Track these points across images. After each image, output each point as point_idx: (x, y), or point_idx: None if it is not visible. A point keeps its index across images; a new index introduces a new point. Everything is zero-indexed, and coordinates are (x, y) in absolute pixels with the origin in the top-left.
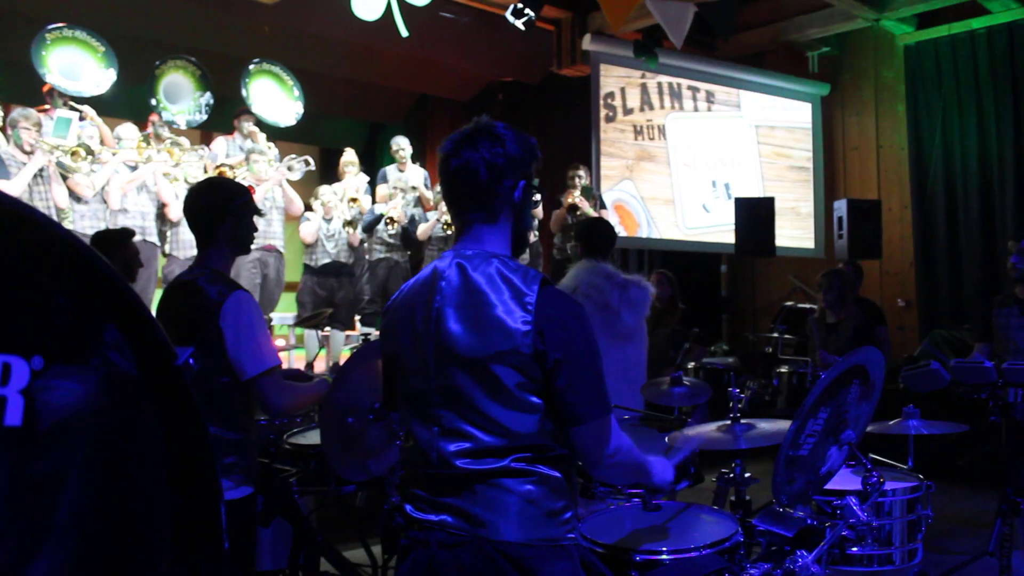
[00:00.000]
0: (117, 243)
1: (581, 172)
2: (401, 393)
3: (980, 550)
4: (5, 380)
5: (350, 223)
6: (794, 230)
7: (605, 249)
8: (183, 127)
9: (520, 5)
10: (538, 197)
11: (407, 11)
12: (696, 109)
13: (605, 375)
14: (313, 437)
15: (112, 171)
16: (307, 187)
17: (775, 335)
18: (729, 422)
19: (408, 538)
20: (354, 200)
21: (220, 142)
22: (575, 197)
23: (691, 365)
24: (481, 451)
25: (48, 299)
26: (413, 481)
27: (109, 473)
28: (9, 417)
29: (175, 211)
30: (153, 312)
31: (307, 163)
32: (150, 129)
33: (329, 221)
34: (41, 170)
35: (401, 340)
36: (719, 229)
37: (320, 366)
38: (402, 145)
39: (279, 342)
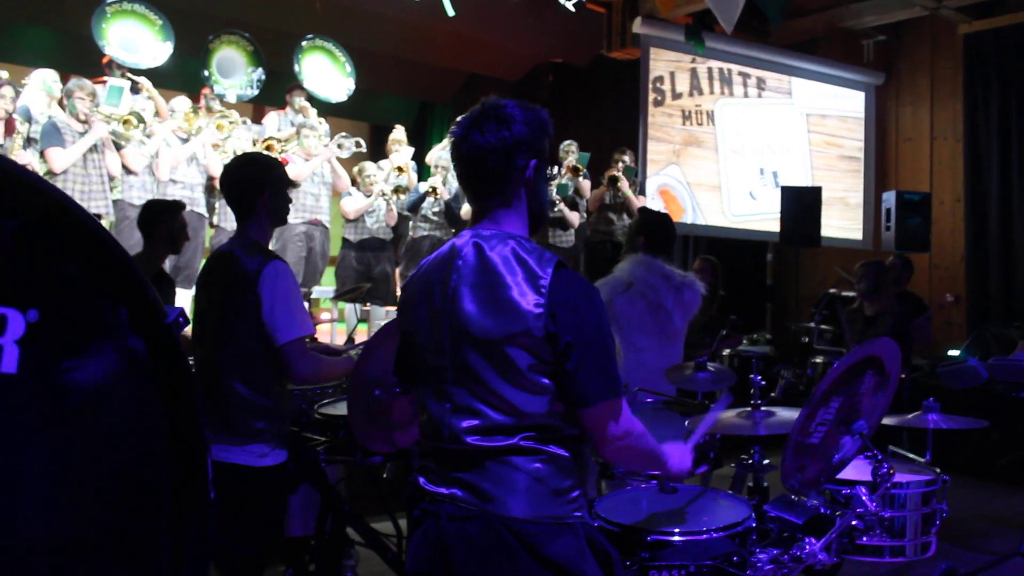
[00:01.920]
0: (166, 213)
1: (626, 157)
2: (417, 368)
3: (1013, 550)
4: (1, 330)
5: (396, 190)
6: (843, 220)
7: (668, 246)
8: (234, 101)
9: None
10: (555, 171)
11: None
12: (746, 95)
13: (651, 373)
14: (343, 408)
15: (162, 141)
16: (352, 162)
17: (812, 324)
18: (749, 408)
19: (420, 509)
20: (401, 169)
21: (272, 116)
22: (617, 171)
23: (726, 352)
24: (490, 428)
25: (58, 267)
26: (426, 454)
27: (114, 436)
28: (5, 365)
29: None
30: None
31: (358, 144)
32: (202, 102)
33: (370, 197)
34: None
35: (418, 316)
36: (765, 217)
37: (360, 339)
38: None
39: (324, 315)
